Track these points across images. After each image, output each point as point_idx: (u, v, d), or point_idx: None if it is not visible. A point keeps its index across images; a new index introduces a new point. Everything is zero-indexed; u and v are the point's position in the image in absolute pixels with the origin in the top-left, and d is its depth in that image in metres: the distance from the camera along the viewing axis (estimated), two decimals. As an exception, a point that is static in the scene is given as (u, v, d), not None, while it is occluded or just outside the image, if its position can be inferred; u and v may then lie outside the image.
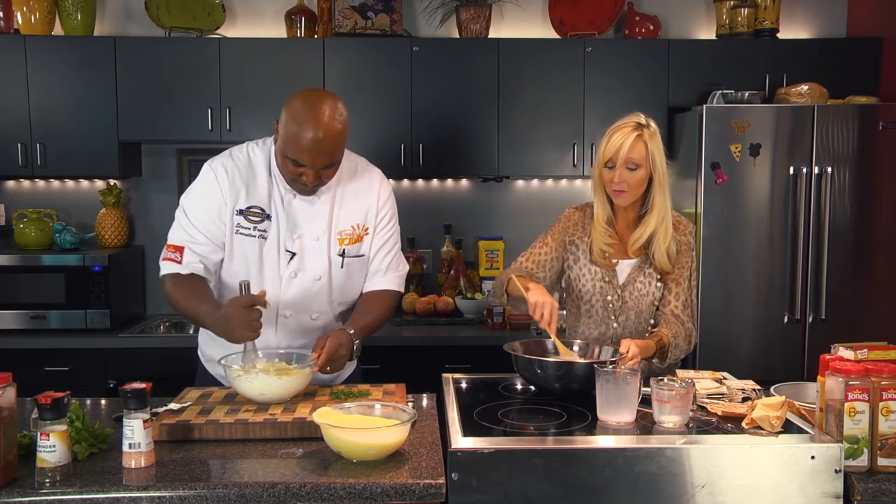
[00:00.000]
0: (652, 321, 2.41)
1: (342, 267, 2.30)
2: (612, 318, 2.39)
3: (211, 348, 2.36)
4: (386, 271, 2.37)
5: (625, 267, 2.40)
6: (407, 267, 2.46)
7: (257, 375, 1.99)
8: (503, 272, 2.46)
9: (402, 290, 2.43)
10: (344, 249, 2.29)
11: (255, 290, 2.09)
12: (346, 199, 2.29)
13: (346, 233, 2.29)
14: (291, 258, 2.25)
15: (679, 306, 2.38)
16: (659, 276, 2.38)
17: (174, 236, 2.23)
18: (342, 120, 2.11)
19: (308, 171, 2.11)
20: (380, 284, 2.37)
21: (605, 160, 2.31)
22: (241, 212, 2.22)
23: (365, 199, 2.32)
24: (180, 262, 2.18)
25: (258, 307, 2.01)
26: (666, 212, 2.34)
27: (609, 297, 2.38)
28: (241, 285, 2.06)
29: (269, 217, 2.23)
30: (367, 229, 2.32)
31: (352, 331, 2.16)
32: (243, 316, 1.99)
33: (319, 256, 2.27)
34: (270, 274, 2.25)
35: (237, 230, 2.22)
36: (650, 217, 2.34)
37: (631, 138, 2.28)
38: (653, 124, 2.34)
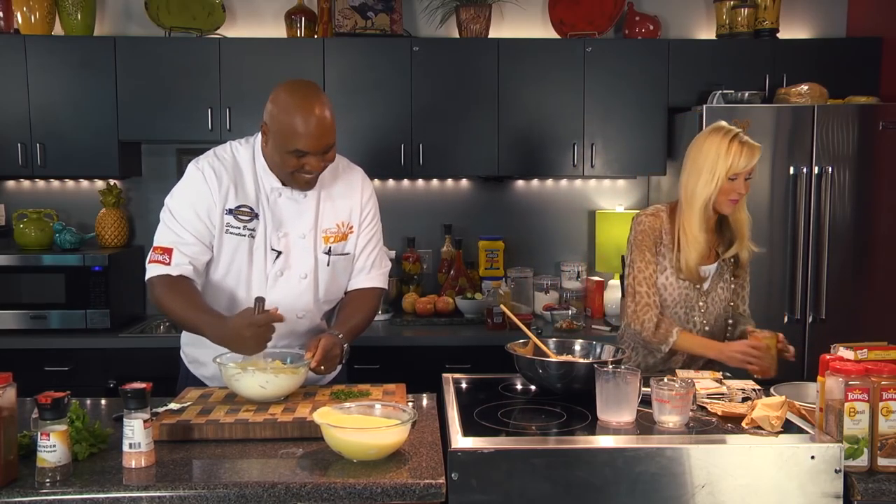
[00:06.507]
0: (730, 321, 2.54)
1: (328, 265, 2.30)
2: (693, 324, 2.48)
3: (196, 350, 2.35)
4: (371, 269, 2.38)
5: (708, 273, 2.48)
6: (389, 264, 2.47)
7: (254, 374, 1.99)
8: (655, 329, 2.40)
9: (385, 286, 2.44)
10: (330, 247, 2.29)
11: (242, 293, 2.13)
12: (330, 198, 2.30)
13: (332, 231, 2.30)
14: (277, 257, 2.24)
15: (747, 308, 2.60)
16: (731, 277, 2.50)
17: (161, 238, 2.20)
18: (328, 101, 2.15)
19: (311, 159, 2.11)
20: (365, 282, 2.38)
21: (733, 173, 2.31)
22: (230, 211, 2.21)
23: (349, 197, 2.33)
24: (169, 264, 2.15)
25: (273, 323, 2.01)
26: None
27: (696, 304, 2.47)
28: (256, 301, 2.03)
29: (257, 216, 2.23)
30: (351, 227, 2.33)
31: (340, 334, 2.17)
32: (261, 335, 1.99)
33: (305, 255, 2.27)
34: (257, 273, 2.24)
35: (227, 230, 2.21)
36: (742, 217, 2.44)
37: (754, 149, 2.33)
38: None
